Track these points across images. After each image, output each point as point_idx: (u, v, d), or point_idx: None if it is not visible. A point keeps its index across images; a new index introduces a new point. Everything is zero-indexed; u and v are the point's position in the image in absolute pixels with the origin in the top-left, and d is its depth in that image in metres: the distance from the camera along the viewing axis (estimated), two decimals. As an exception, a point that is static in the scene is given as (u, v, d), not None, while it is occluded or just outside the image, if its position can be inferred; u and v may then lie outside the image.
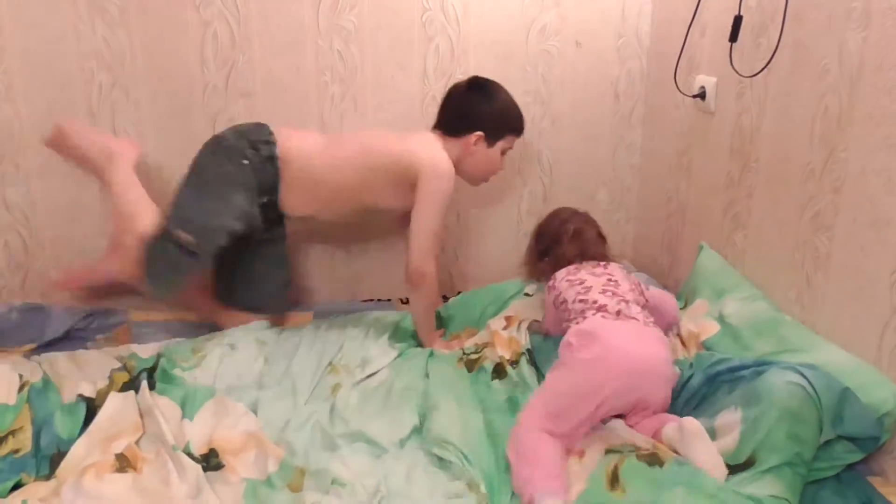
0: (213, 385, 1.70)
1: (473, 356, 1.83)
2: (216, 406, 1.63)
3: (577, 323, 1.61)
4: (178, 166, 2.10)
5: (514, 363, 1.77)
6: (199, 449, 1.52)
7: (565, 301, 1.70)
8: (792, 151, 1.66)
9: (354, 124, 2.17)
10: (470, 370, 1.78)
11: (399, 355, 1.85)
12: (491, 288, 2.11)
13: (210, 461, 1.49)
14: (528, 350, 1.81)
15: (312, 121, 2.15)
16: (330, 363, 1.81)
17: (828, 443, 1.38)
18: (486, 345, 1.85)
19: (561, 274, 1.78)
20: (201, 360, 1.77)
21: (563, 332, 1.64)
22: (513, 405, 1.66)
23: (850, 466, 1.41)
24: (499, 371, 1.76)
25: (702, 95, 1.97)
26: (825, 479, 1.40)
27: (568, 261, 1.82)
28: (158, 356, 1.78)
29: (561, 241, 1.86)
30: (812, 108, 1.58)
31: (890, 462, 1.42)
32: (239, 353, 1.82)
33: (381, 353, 1.85)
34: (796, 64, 1.62)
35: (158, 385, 1.69)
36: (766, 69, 1.69)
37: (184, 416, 1.61)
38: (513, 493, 1.41)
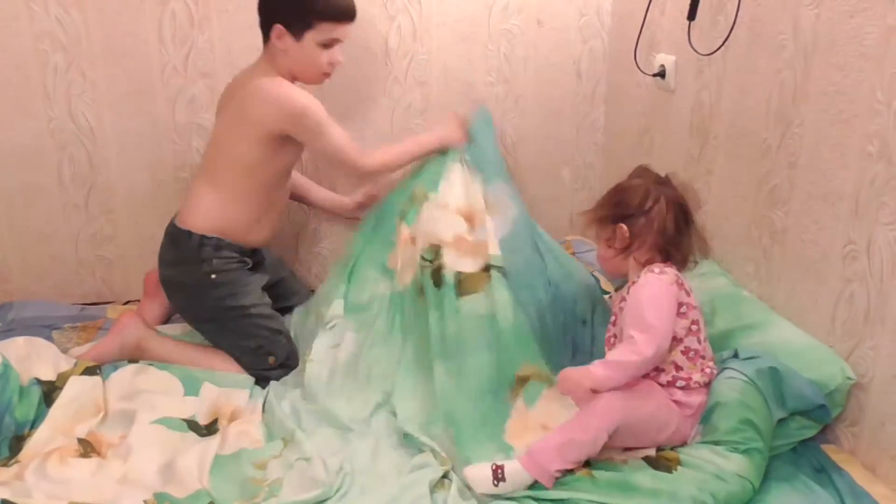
0: None
1: (434, 263, 1.71)
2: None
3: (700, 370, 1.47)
4: (137, 149, 2.08)
5: (486, 269, 1.69)
6: (204, 419, 1.61)
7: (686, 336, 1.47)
8: (749, 127, 1.68)
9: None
10: (437, 285, 1.69)
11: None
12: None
13: (211, 428, 1.59)
14: (498, 267, 1.70)
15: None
16: None
17: (782, 421, 1.43)
18: (439, 246, 1.72)
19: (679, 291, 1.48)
20: None
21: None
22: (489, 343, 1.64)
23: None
24: (461, 286, 1.68)
25: (662, 74, 1.98)
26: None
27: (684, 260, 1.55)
28: None
29: (685, 227, 1.56)
30: (768, 84, 1.61)
31: (842, 430, 1.47)
32: None
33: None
34: (753, 41, 1.65)
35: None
36: (723, 46, 1.71)
37: (186, 392, 1.67)
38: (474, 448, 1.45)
